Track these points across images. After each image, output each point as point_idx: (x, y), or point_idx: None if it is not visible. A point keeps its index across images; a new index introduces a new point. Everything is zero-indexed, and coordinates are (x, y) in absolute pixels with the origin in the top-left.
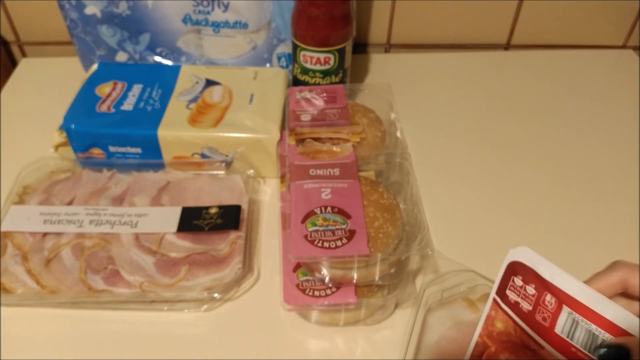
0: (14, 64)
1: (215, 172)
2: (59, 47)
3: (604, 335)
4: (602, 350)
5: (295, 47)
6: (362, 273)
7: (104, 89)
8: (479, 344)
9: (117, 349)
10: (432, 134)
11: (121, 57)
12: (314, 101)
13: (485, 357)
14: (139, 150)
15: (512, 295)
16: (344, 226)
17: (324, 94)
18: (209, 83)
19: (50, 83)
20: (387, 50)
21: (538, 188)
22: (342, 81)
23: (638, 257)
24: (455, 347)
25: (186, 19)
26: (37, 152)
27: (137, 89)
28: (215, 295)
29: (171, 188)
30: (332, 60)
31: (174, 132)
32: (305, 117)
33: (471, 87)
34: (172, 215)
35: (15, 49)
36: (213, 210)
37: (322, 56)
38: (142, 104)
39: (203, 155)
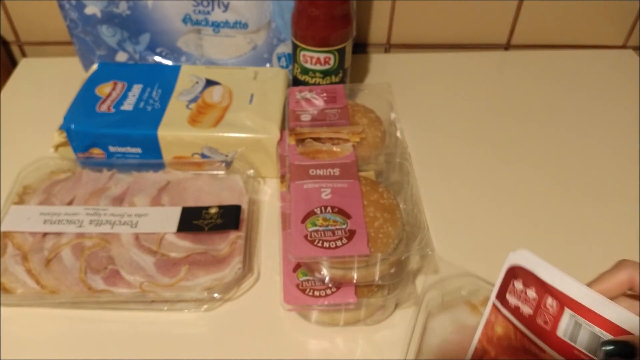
0: (14, 64)
1: (215, 172)
2: (59, 47)
3: (607, 337)
4: (608, 347)
5: (295, 47)
6: (362, 273)
7: (104, 89)
8: (478, 350)
9: (117, 349)
10: (432, 134)
11: (121, 57)
12: (314, 101)
13: None
14: (139, 150)
15: (512, 299)
16: (344, 226)
17: (324, 94)
18: (209, 83)
19: (50, 83)
20: (387, 50)
21: (538, 188)
22: (342, 81)
23: (638, 257)
24: (458, 351)
25: (186, 19)
26: (37, 152)
27: (137, 89)
28: (215, 295)
29: (171, 188)
30: (332, 60)
31: (174, 132)
32: (305, 117)
33: (471, 87)
34: (172, 215)
35: (15, 49)
36: (213, 210)
37: (322, 56)
38: (142, 104)
39: (203, 155)
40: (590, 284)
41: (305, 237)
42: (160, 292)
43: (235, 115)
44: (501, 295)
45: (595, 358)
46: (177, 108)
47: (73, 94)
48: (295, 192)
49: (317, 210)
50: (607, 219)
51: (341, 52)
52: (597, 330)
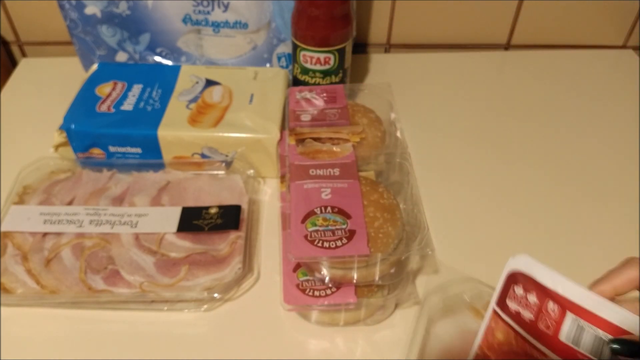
0: (14, 64)
1: (215, 172)
2: (59, 47)
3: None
4: (615, 346)
5: (295, 47)
6: (362, 273)
7: (104, 89)
8: (479, 356)
9: (117, 349)
10: (432, 134)
11: (121, 57)
12: (314, 101)
13: None
14: (139, 150)
15: (512, 305)
16: (344, 226)
17: (324, 94)
18: (209, 83)
19: (50, 83)
20: (387, 50)
21: (537, 187)
22: (342, 81)
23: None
24: (461, 356)
25: (186, 19)
26: (37, 152)
27: (137, 89)
28: (215, 295)
29: (171, 188)
30: (332, 60)
31: (174, 132)
32: (305, 117)
33: (471, 87)
34: (172, 215)
35: (15, 49)
36: (213, 210)
37: (322, 56)
38: (142, 104)
39: (203, 155)
40: (597, 282)
41: (305, 237)
42: (160, 292)
43: (235, 115)
44: (501, 301)
45: None
46: (177, 108)
47: (73, 94)
48: (295, 192)
49: (317, 210)
50: (606, 218)
51: (341, 52)
52: (602, 333)
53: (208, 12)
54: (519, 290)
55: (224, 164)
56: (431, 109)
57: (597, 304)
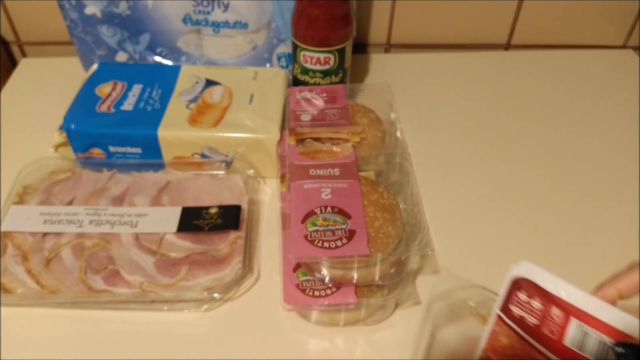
0: (14, 64)
1: (215, 172)
2: (59, 47)
3: None
4: (620, 349)
5: (295, 47)
6: (362, 273)
7: (104, 89)
8: None
9: (117, 349)
10: (432, 134)
11: (121, 57)
12: (314, 101)
13: None
14: (139, 150)
15: (516, 310)
16: (344, 226)
17: (324, 94)
18: (209, 83)
19: (50, 83)
20: (387, 50)
21: (537, 187)
22: (342, 81)
23: (639, 258)
24: None
25: (186, 19)
26: (37, 152)
27: (137, 89)
28: (215, 295)
29: (171, 188)
30: (332, 60)
31: (174, 132)
32: (305, 117)
33: (471, 87)
34: (172, 215)
35: (15, 49)
36: (213, 210)
37: (322, 56)
38: (142, 104)
39: (203, 155)
40: (603, 284)
41: (305, 237)
42: (160, 292)
43: (235, 115)
44: (505, 307)
45: None
46: (177, 108)
47: (73, 94)
48: (295, 192)
49: (317, 210)
50: (607, 218)
51: (341, 52)
52: (607, 339)
53: (208, 12)
54: (522, 296)
55: (224, 164)
56: (431, 109)
57: (600, 309)
